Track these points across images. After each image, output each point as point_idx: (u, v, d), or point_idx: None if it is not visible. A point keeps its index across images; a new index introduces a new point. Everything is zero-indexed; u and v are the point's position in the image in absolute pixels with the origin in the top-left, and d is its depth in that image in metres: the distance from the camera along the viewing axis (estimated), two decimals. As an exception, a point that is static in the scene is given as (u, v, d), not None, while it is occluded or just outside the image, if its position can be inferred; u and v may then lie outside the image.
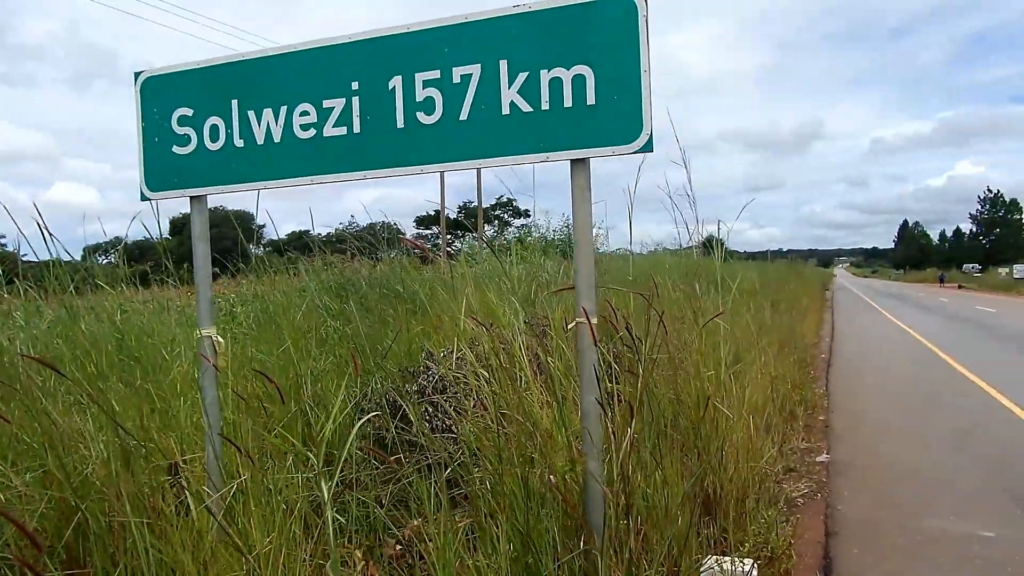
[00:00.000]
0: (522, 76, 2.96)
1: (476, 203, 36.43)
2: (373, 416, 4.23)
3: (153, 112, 3.57)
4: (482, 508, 3.17)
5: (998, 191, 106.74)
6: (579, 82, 2.89)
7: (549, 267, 8.21)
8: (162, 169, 3.58)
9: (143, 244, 4.46)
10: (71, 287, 4.56)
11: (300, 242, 8.48)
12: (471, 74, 3.03)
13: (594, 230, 9.50)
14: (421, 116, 3.10)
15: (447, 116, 3.07)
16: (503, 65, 2.99)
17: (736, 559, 3.47)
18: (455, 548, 2.83)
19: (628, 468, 3.07)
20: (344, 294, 7.43)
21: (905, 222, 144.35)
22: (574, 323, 2.95)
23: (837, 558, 4.33)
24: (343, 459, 3.03)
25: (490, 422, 3.58)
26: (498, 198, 52.44)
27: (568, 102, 2.91)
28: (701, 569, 3.41)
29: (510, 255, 8.63)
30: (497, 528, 3.03)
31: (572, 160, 2.94)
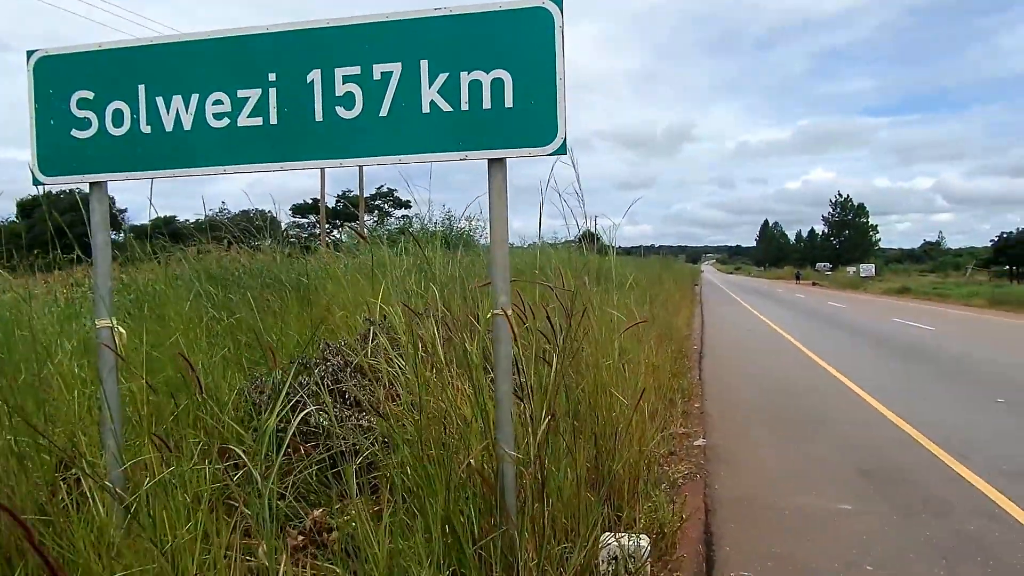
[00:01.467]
0: (442, 76, 3.07)
1: (355, 192, 35.79)
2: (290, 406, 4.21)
3: (49, 93, 3.41)
4: (400, 493, 3.25)
5: (847, 196, 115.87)
6: (497, 85, 3.03)
7: (438, 260, 8.30)
8: (58, 153, 3.42)
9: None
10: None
11: (168, 228, 8.15)
12: (392, 72, 3.10)
13: (475, 222, 9.61)
14: (340, 111, 3.15)
15: (367, 112, 3.13)
16: (424, 65, 3.08)
17: (632, 535, 3.72)
18: (382, 535, 2.90)
19: (544, 453, 3.25)
20: (224, 284, 7.24)
21: (766, 222, 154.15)
22: (490, 314, 3.09)
23: (717, 532, 4.71)
24: (282, 451, 3.02)
25: (404, 409, 3.67)
26: (378, 188, 51.75)
27: (487, 104, 3.04)
28: (600, 545, 3.65)
29: (398, 246, 8.65)
30: (416, 513, 3.13)
31: (490, 160, 3.08)
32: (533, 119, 3.02)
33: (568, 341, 3.69)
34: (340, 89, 3.15)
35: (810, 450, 6.78)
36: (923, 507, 5.12)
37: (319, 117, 3.16)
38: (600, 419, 4.56)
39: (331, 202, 43.98)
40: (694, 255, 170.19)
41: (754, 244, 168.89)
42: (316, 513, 3.99)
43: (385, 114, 3.11)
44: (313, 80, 3.17)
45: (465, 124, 3.06)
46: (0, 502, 2.38)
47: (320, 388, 4.79)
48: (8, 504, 2.99)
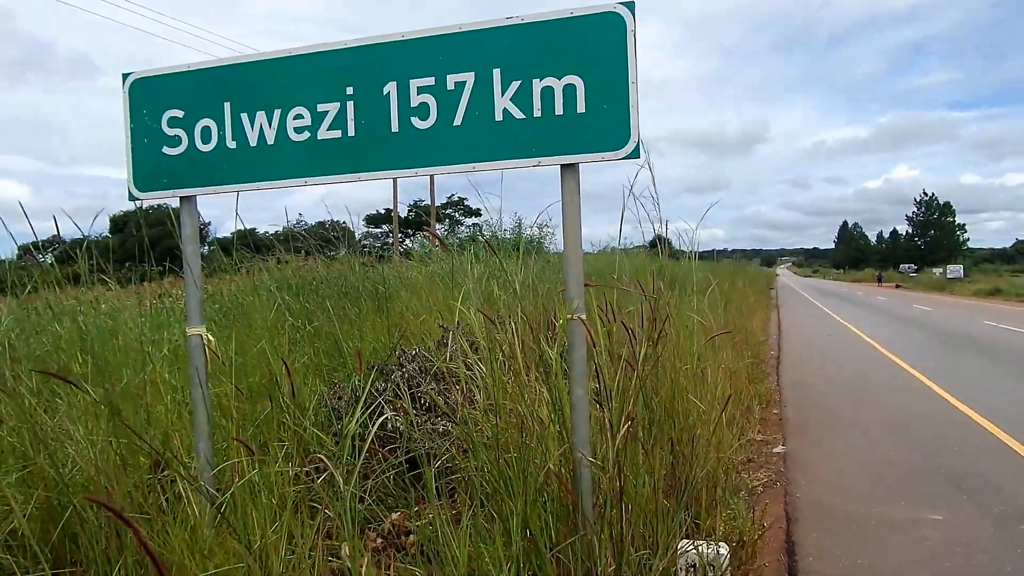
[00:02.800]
0: (515, 84, 3.10)
1: (426, 201, 36.29)
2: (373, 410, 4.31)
3: (142, 113, 3.60)
4: (478, 497, 3.28)
5: (932, 194, 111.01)
6: (570, 91, 3.04)
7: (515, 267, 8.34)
8: (151, 170, 3.61)
9: (80, 243, 4.43)
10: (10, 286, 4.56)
11: (246, 240, 8.43)
12: (465, 81, 3.16)
13: (545, 229, 9.67)
14: (416, 121, 3.21)
15: (441, 121, 3.19)
16: (496, 73, 3.12)
17: (710, 542, 3.65)
18: (462, 538, 2.94)
19: (622, 458, 3.24)
20: (303, 293, 7.45)
21: (844, 223, 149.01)
22: (565, 319, 3.10)
23: (799, 541, 4.58)
24: (361, 455, 3.10)
25: (481, 413, 3.71)
26: (448, 196, 52.36)
27: (559, 110, 3.05)
28: (678, 551, 3.60)
29: (470, 252, 8.74)
30: (495, 516, 3.15)
31: (563, 165, 3.09)
32: (606, 124, 3.01)
33: (648, 347, 3.67)
34: (415, 100, 3.22)
35: (893, 455, 6.53)
36: (1018, 519, 4.87)
37: (395, 128, 3.24)
38: (678, 425, 4.50)
39: (403, 211, 44.79)
40: (768, 258, 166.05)
41: (832, 246, 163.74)
42: (395, 516, 4.07)
43: (459, 123, 3.16)
44: (389, 92, 3.25)
45: (538, 131, 3.08)
46: (105, 502, 2.51)
47: (399, 393, 4.88)
48: (108, 502, 3.16)
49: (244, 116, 3.45)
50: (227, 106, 3.47)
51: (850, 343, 16.73)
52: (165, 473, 3.75)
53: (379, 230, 50.54)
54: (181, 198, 3.61)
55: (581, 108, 3.03)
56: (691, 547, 3.60)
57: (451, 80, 3.17)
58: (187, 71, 3.56)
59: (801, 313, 28.69)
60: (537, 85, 3.07)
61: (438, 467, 3.79)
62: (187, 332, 3.67)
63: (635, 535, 3.54)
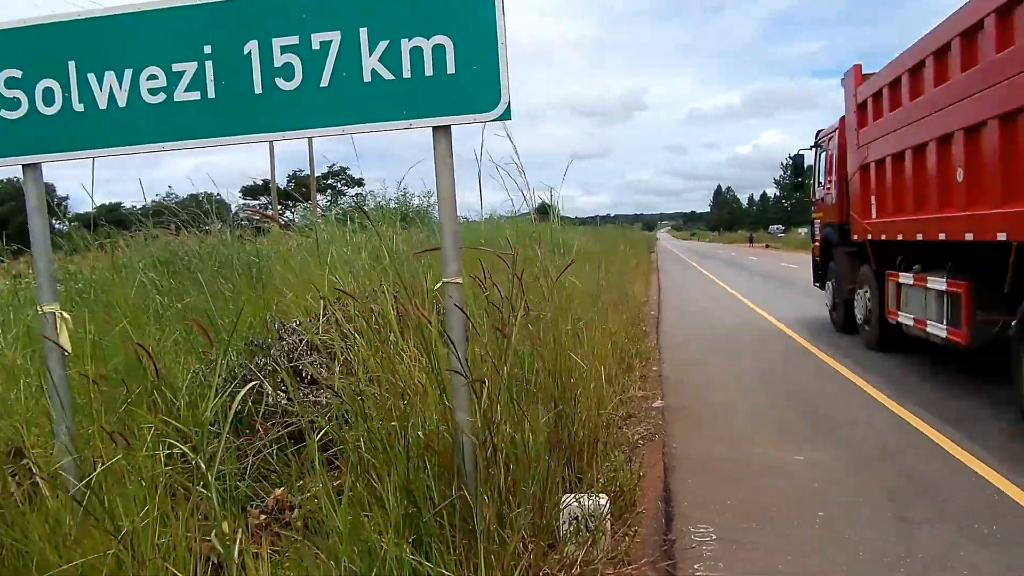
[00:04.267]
0: (383, 44, 3.02)
1: (306, 171, 35.14)
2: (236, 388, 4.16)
3: (-27, 73, 3.28)
4: (357, 466, 3.25)
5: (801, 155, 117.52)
6: (439, 51, 3.00)
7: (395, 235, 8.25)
8: (-12, 135, 3.30)
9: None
10: None
11: (112, 215, 7.97)
12: (331, 41, 3.05)
13: (432, 199, 9.59)
14: (280, 82, 3.08)
15: (307, 82, 3.07)
16: (363, 33, 3.03)
17: (591, 495, 3.78)
18: (343, 509, 2.90)
19: (496, 418, 3.28)
20: (173, 269, 7.11)
21: (719, 187, 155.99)
22: (440, 283, 3.08)
23: (675, 489, 4.81)
24: (225, 432, 2.99)
25: (360, 383, 3.66)
26: (330, 167, 50.85)
27: (429, 71, 3.01)
28: (561, 506, 3.70)
29: (351, 224, 8.56)
30: (377, 484, 3.13)
31: (435, 127, 3.06)
32: (476, 85, 3.00)
33: (519, 307, 3.72)
34: (279, 60, 3.08)
35: (763, 404, 6.96)
36: (878, 454, 5.30)
37: (258, 89, 3.10)
38: (559, 384, 4.61)
39: (283, 183, 43.15)
40: (650, 223, 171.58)
41: (708, 210, 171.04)
42: (277, 492, 3.98)
43: (326, 84, 3.06)
44: (250, 51, 3.10)
45: (408, 92, 3.03)
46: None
47: (277, 367, 4.74)
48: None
49: (91, 76, 3.20)
50: (72, 65, 3.21)
51: (724, 301, 17.60)
52: (24, 462, 3.51)
53: (257, 202, 48.56)
54: (24, 166, 3.33)
55: (451, 69, 3.00)
56: (572, 500, 3.71)
57: (316, 39, 3.06)
58: (24, 27, 3.26)
59: (680, 274, 29.91)
60: (406, 45, 3.01)
61: (320, 439, 3.73)
62: (40, 310, 3.41)
63: (518, 492, 3.61)
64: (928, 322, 7.36)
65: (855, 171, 9.71)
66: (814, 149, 13.01)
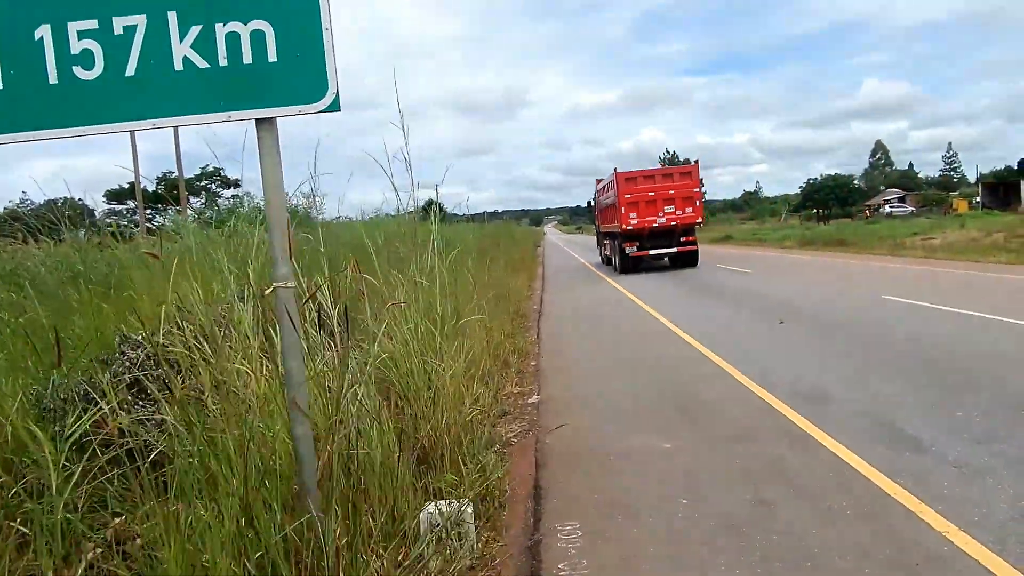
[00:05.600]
0: (195, 29, 2.77)
1: (176, 173, 33.31)
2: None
3: None
4: (193, 488, 2.99)
5: (674, 152, 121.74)
6: (258, 38, 2.78)
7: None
8: None
9: None
10: None
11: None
12: (136, 25, 2.77)
13: (312, 198, 9.18)
14: (79, 71, 2.77)
15: (111, 71, 2.77)
16: (172, 17, 2.77)
17: (453, 502, 3.65)
18: (174, 535, 2.65)
19: (343, 430, 3.09)
20: (17, 281, 6.53)
21: (599, 182, 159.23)
22: (271, 288, 2.87)
23: (545, 486, 4.76)
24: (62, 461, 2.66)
25: (206, 397, 3.39)
26: (203, 167, 48.44)
27: (248, 59, 2.78)
28: (421, 516, 3.56)
29: (226, 227, 8.09)
30: (212, 507, 2.88)
31: (257, 120, 2.83)
32: (301, 74, 2.80)
33: (373, 314, 3.55)
34: (76, 46, 2.77)
35: (637, 395, 7.05)
36: (735, 438, 5.44)
37: (53, 79, 2.77)
38: (415, 388, 4.47)
39: (151, 186, 40.74)
40: (537, 218, 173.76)
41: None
42: (116, 522, 3.64)
43: (132, 73, 2.78)
44: (42, 37, 2.77)
45: (226, 82, 2.79)
46: None
47: (117, 384, 4.37)
48: None
49: None
50: None
51: (605, 293, 17.93)
52: None
53: (124, 207, 45.72)
54: None
55: (272, 56, 2.78)
56: (433, 508, 3.57)
57: (118, 24, 2.77)
58: None
59: (564, 268, 30.32)
60: (221, 30, 2.77)
61: (157, 459, 3.43)
62: None
63: (374, 503, 3.44)
64: (652, 252, 23.14)
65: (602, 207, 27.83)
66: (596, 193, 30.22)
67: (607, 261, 26.99)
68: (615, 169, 23.49)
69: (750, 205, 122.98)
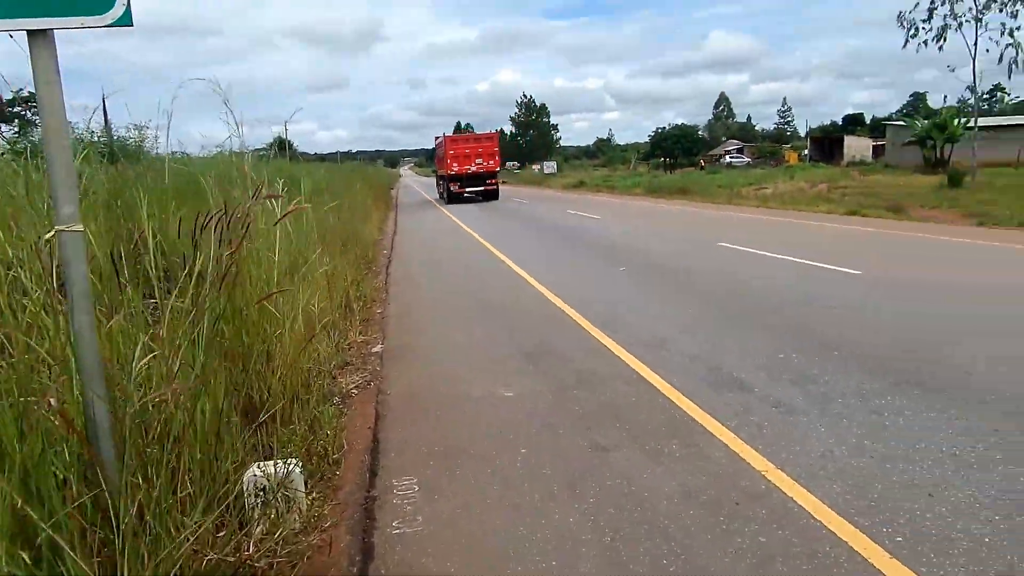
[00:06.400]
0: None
1: (-16, 97, 29.58)
2: None
3: None
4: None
5: (531, 97, 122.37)
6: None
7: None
8: None
9: None
10: None
11: None
12: None
13: (152, 129, 8.25)
14: None
15: None
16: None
17: (280, 462, 3.43)
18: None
19: (151, 389, 2.78)
20: None
21: (458, 123, 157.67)
22: (52, 232, 2.48)
23: (384, 439, 4.61)
24: None
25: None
26: (16, 91, 43.36)
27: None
28: (244, 479, 3.32)
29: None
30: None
31: (29, 32, 2.40)
32: (82, -21, 2.39)
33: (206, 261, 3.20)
34: None
35: (485, 339, 7.02)
36: (575, 384, 5.52)
37: None
38: (247, 342, 4.16)
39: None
40: (392, 159, 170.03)
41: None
42: None
43: None
44: None
45: (-13, -16, 2.33)
46: None
47: None
48: None
49: None
50: None
51: (458, 236, 17.81)
52: None
53: (-82, 133, 40.11)
54: None
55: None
56: (256, 470, 3.34)
57: None
58: None
59: (418, 211, 29.91)
60: (-23, -79, 2.30)
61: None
62: None
63: (193, 469, 3.16)
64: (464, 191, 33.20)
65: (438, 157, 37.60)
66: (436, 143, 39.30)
67: (441, 196, 36.95)
68: (443, 134, 36.71)
69: (603, 152, 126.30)
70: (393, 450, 4.43)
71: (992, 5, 24.68)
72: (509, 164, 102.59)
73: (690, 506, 3.55)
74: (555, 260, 12.70)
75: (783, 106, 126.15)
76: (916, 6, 25.96)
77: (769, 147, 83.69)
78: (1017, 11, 24.50)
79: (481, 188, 33.56)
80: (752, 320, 7.26)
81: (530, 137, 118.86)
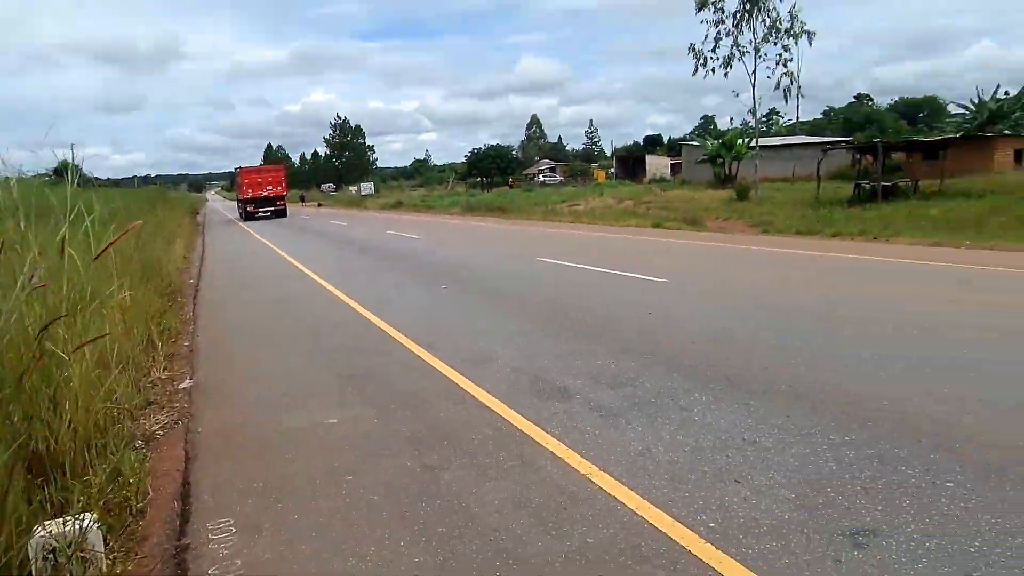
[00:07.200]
0: None
1: None
2: None
3: None
4: None
5: (345, 118, 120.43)
6: None
7: None
8: None
9: None
10: None
11: None
12: None
13: None
14: None
15: None
16: None
17: (70, 518, 3.07)
18: None
19: None
20: None
21: (269, 145, 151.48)
22: None
23: (196, 481, 4.27)
24: None
25: None
26: None
27: None
28: (31, 545, 2.94)
29: None
30: None
31: None
32: None
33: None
34: None
35: (305, 366, 6.74)
36: (401, 405, 5.43)
37: None
38: (30, 386, 3.70)
39: None
40: (197, 183, 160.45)
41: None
42: None
43: None
44: None
45: None
46: None
47: None
48: None
49: None
50: None
51: (274, 262, 17.08)
52: None
53: None
54: None
55: None
56: (41, 530, 2.96)
57: None
58: None
59: (227, 236, 28.38)
60: None
61: None
62: None
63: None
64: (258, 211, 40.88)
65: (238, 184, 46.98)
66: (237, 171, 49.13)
67: (241, 215, 43.26)
68: (239, 167, 46.04)
69: (420, 172, 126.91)
70: (206, 492, 4.11)
71: (769, 39, 27.60)
72: (324, 186, 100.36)
73: (520, 516, 3.58)
74: (375, 281, 12.52)
75: (590, 127, 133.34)
76: (706, 38, 28.42)
77: (579, 166, 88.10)
78: (788, 45, 27.61)
79: (272, 208, 41.28)
80: (572, 330, 7.54)
81: (346, 158, 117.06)
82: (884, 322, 7.23)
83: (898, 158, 33.19)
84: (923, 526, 3.26)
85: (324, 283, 12.37)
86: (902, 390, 5.08)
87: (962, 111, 50.42)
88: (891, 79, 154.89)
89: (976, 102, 48.20)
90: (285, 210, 41.98)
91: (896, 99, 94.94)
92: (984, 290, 9.11)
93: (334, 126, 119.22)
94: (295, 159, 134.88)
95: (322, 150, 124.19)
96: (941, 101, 79.75)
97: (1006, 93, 49.21)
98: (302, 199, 70.61)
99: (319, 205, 64.85)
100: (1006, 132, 39.05)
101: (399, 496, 3.90)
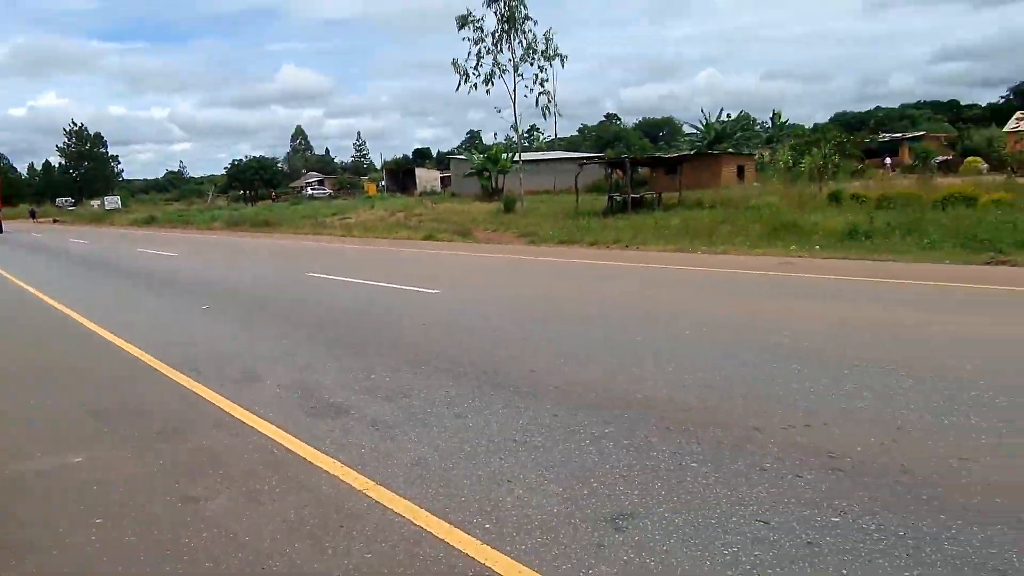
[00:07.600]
0: None
1: None
2: None
3: None
4: None
5: (83, 124, 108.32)
6: None
7: None
8: None
9: None
10: None
11: None
12: None
13: None
14: None
15: None
16: None
17: None
18: None
19: None
20: None
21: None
22: None
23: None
24: None
25: None
26: None
27: None
28: None
29: None
30: None
31: None
32: None
33: None
34: None
35: (46, 404, 5.96)
36: (159, 436, 5.00)
37: None
38: None
39: None
40: None
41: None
42: None
43: None
44: None
45: None
46: None
47: None
48: None
49: None
50: None
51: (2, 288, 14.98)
52: None
53: None
54: None
55: None
56: None
57: None
58: None
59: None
60: None
61: None
62: None
63: None
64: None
65: None
66: None
67: None
68: None
69: (175, 185, 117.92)
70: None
71: (526, 59, 29.15)
72: (60, 200, 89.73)
73: (295, 539, 3.44)
74: (127, 304, 11.44)
75: (358, 140, 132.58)
76: (468, 55, 29.37)
77: (348, 178, 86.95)
78: (544, 66, 29.36)
79: None
80: (345, 344, 7.41)
81: (85, 169, 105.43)
82: (639, 322, 7.93)
83: (644, 173, 36.65)
84: (672, 505, 3.60)
85: (63, 308, 11.05)
86: (651, 381, 5.59)
87: (694, 131, 56.98)
88: (635, 100, 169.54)
89: (704, 123, 54.71)
90: (0, 226, 39.12)
91: (640, 119, 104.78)
92: (719, 290, 10.32)
93: (69, 133, 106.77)
94: (21, 169, 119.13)
95: (56, 160, 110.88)
96: (677, 122, 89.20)
97: (728, 115, 56.52)
98: (32, 214, 62.65)
99: (55, 221, 57.94)
100: (730, 150, 44.70)
101: (159, 534, 3.57)
